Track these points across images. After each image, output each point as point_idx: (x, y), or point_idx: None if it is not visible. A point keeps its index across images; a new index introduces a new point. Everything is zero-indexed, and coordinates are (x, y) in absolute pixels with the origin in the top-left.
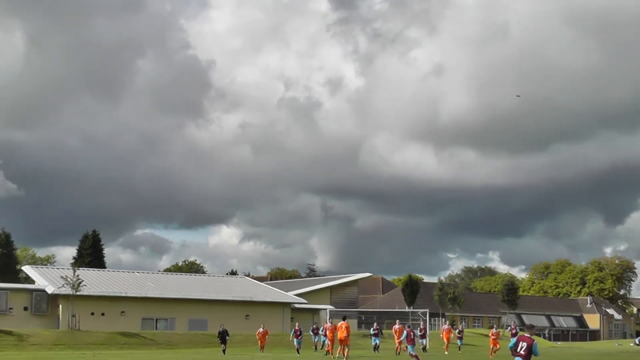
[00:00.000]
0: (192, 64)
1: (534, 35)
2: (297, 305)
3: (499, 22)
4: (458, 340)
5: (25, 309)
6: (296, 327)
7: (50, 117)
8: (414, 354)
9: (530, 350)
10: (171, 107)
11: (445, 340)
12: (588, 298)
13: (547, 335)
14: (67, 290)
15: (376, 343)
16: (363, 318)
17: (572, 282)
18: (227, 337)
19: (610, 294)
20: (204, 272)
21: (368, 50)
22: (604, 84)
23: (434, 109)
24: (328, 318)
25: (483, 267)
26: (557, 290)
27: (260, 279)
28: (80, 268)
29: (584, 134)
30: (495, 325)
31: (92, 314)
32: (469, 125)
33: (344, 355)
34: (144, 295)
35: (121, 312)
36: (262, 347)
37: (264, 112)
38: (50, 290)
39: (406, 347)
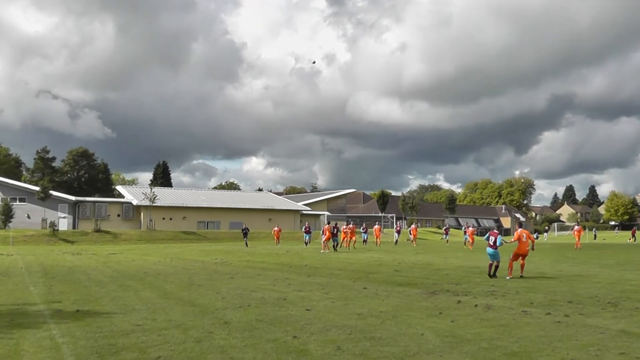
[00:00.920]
0: (229, 45)
1: (469, 22)
2: (304, 212)
3: (445, 13)
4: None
5: (118, 215)
6: (306, 225)
7: (132, 82)
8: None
9: (495, 241)
10: (215, 75)
11: (413, 235)
12: (503, 206)
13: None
14: (146, 202)
15: (365, 238)
16: (350, 221)
17: (492, 195)
18: (247, 233)
19: (518, 203)
20: (239, 189)
21: (353, 34)
22: (515, 55)
23: (399, 75)
24: (325, 221)
25: (432, 184)
26: (482, 200)
27: (279, 194)
28: (155, 187)
29: (501, 91)
30: (471, 225)
31: (163, 218)
32: (423, 85)
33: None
34: (198, 205)
35: (183, 217)
36: (277, 242)
37: (280, 78)
38: (134, 202)
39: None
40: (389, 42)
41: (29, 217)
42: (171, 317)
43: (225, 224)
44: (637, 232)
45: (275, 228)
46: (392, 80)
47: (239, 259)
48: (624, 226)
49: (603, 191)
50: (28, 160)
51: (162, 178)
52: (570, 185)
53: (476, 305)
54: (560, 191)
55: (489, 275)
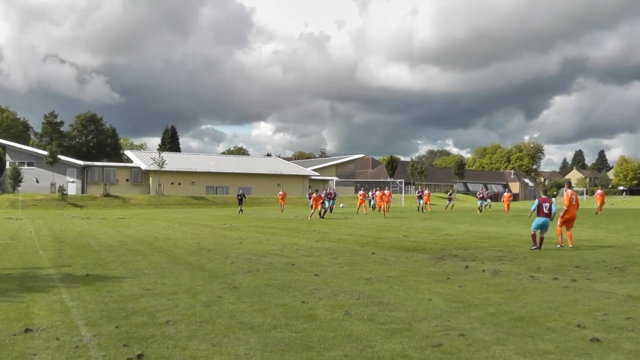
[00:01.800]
0: (239, 10)
1: None
2: (313, 177)
3: None
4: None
5: (127, 180)
6: (328, 191)
7: (141, 46)
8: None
9: (551, 208)
10: (225, 39)
11: (426, 201)
12: (512, 171)
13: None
14: (155, 167)
15: (373, 203)
16: (359, 186)
17: (501, 160)
18: (243, 199)
19: (527, 168)
20: (248, 155)
21: None
22: (527, 18)
23: (410, 39)
24: (334, 185)
25: (441, 150)
26: (491, 165)
27: (288, 159)
28: (163, 152)
29: (512, 55)
30: (507, 190)
31: (172, 183)
32: (434, 50)
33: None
34: (207, 170)
35: (192, 182)
36: (282, 207)
37: (290, 42)
38: (143, 167)
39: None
40: (400, 6)
41: (37, 181)
42: (180, 282)
43: (234, 189)
44: None
45: (280, 192)
46: (402, 45)
47: (248, 224)
48: (632, 191)
49: (612, 156)
50: (36, 124)
51: (171, 143)
52: (580, 150)
53: (484, 271)
54: (570, 156)
55: (539, 247)
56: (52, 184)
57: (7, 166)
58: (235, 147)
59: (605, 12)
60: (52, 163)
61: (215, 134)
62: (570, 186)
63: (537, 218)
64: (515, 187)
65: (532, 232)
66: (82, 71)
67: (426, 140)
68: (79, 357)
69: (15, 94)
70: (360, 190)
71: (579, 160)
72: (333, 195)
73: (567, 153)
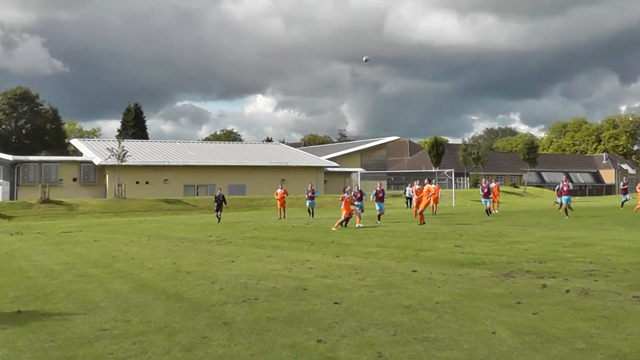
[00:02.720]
0: None
1: None
2: (329, 169)
3: None
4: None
5: (75, 179)
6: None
7: None
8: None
9: None
10: None
11: (495, 198)
12: (603, 155)
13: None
14: (113, 161)
15: (412, 197)
16: (392, 179)
17: (589, 140)
18: (224, 204)
19: (625, 150)
20: (241, 140)
21: None
22: None
23: None
24: (359, 180)
25: (504, 127)
26: (574, 147)
27: (295, 145)
28: (125, 140)
29: None
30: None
31: (137, 182)
32: None
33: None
34: (185, 163)
35: (164, 180)
36: (280, 213)
37: None
38: (97, 161)
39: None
40: None
41: None
42: (150, 318)
43: (223, 188)
44: None
45: (279, 190)
46: None
47: (242, 235)
48: None
49: None
50: None
51: (135, 127)
52: None
53: (568, 291)
54: None
55: None
56: None
57: None
58: (223, 130)
59: None
60: None
61: (196, 114)
62: None
63: None
64: (609, 175)
65: None
66: (9, 31)
67: (483, 116)
68: None
69: None
70: (414, 184)
71: None
72: (359, 196)
73: None
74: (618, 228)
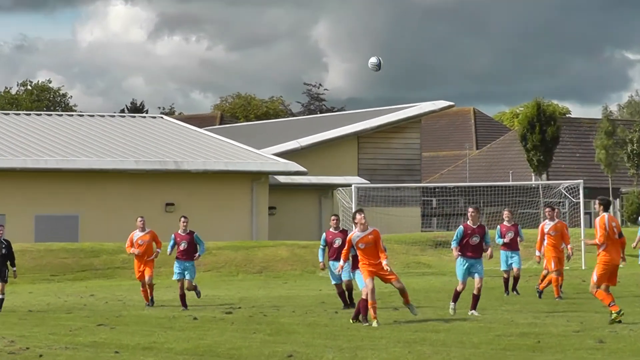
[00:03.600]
0: None
1: None
2: (283, 177)
3: None
4: None
5: None
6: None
7: None
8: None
9: None
10: None
11: None
12: None
13: None
14: None
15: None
16: (436, 191)
17: None
18: (9, 257)
19: None
20: (70, 110)
21: None
22: None
23: None
24: (354, 201)
25: None
26: None
27: (201, 122)
28: None
29: None
30: None
31: None
32: None
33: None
34: None
35: None
36: (146, 292)
37: None
38: None
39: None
40: None
41: None
42: None
43: (15, 223)
44: None
45: (137, 231)
46: None
47: (71, 339)
48: None
49: None
50: None
51: None
52: None
53: None
54: None
55: None
56: None
57: None
58: (33, 82)
59: None
60: None
61: None
62: None
63: None
64: None
65: None
66: None
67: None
68: None
69: None
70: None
71: None
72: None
73: None
74: None
